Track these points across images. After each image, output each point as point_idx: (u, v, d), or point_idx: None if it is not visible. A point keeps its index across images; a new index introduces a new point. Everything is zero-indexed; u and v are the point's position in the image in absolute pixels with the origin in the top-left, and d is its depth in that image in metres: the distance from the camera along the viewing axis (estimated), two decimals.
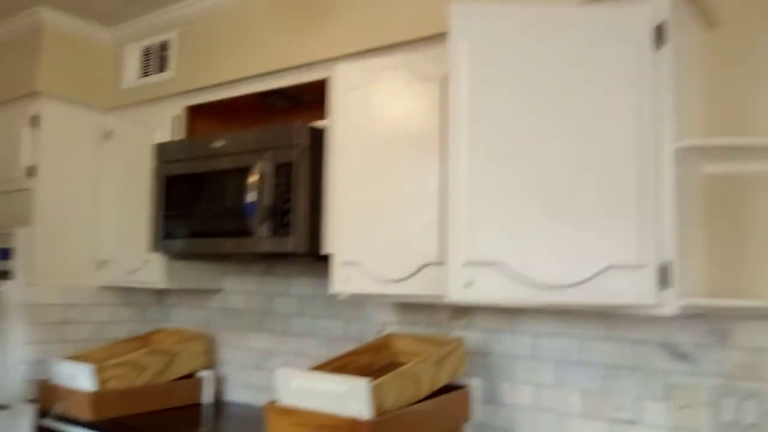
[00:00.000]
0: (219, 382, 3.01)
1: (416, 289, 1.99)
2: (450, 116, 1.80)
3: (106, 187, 3.05)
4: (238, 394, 2.96)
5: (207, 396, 2.89)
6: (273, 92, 2.54)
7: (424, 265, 1.98)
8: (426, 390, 1.99)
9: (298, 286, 2.78)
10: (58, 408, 2.55)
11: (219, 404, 2.88)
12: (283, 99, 2.60)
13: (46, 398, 2.65)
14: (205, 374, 2.90)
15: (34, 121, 2.88)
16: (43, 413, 2.63)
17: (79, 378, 2.52)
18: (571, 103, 1.68)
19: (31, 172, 2.86)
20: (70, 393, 2.54)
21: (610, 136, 1.64)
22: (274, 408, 1.88)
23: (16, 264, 2.80)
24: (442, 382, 2.06)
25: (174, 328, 3.11)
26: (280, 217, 2.20)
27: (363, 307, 2.57)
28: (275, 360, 2.82)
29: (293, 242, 2.17)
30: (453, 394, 2.06)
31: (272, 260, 2.76)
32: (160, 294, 3.31)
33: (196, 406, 2.81)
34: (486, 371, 2.24)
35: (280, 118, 2.74)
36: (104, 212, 3.05)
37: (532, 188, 1.69)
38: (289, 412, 1.85)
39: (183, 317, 3.22)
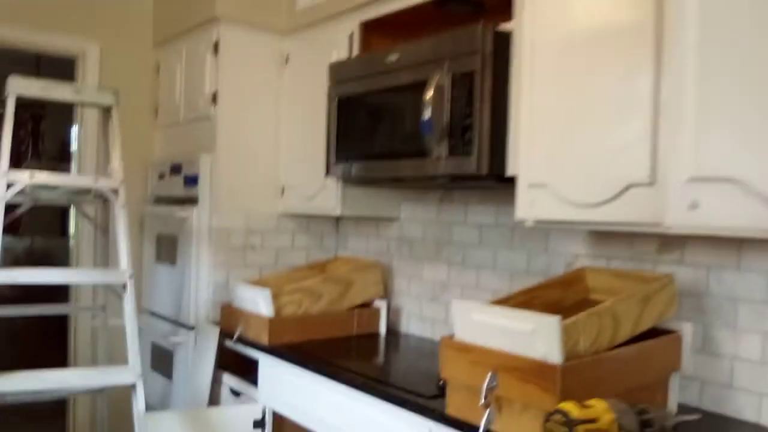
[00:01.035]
0: (393, 313, 2.91)
1: (618, 214, 1.68)
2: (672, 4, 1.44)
3: (285, 112, 3.01)
4: (411, 325, 2.84)
5: (381, 326, 2.80)
6: None
7: (630, 186, 1.66)
8: (627, 333, 1.70)
9: (477, 215, 2.56)
10: (239, 331, 2.59)
11: (393, 335, 2.79)
12: (462, 4, 2.33)
13: (229, 321, 2.71)
14: (381, 304, 2.81)
15: (215, 47, 2.88)
16: (226, 335, 2.69)
17: (258, 303, 2.52)
18: None
19: (213, 99, 2.87)
20: (249, 317, 2.56)
21: None
22: (450, 343, 1.70)
23: (202, 190, 2.85)
24: (646, 326, 1.75)
25: (349, 257, 3.04)
26: (459, 134, 1.98)
27: (549, 237, 2.30)
28: (452, 292, 2.65)
29: (475, 163, 1.94)
30: (660, 340, 1.75)
31: (450, 186, 2.55)
32: (337, 222, 3.26)
33: (372, 336, 2.73)
34: (700, 315, 1.90)
35: (459, 28, 2.48)
36: (284, 138, 3.02)
37: None
38: (467, 349, 1.65)
39: (359, 246, 3.15)
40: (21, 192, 2.08)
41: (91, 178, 2.13)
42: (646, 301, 1.74)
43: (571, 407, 1.28)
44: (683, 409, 1.87)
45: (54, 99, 2.15)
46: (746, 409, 1.79)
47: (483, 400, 1.57)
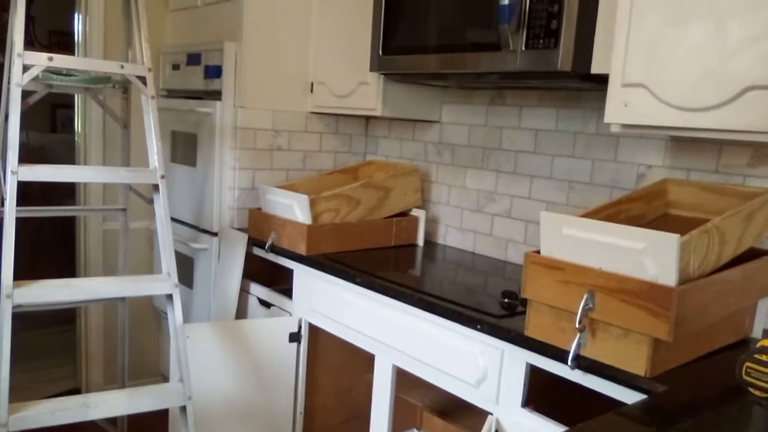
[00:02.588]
0: (429, 223, 2.74)
1: (731, 120, 1.48)
2: None
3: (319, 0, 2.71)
4: (449, 237, 2.67)
5: (419, 238, 2.63)
6: None
7: (748, 89, 1.45)
8: (730, 253, 1.53)
9: (534, 118, 2.34)
10: (272, 238, 2.40)
11: (431, 246, 2.62)
12: None
13: (258, 227, 2.52)
14: (419, 213, 2.63)
15: None
16: (255, 242, 2.51)
17: (294, 209, 2.33)
18: None
19: None
20: (284, 224, 2.37)
21: None
22: (537, 259, 1.53)
23: (226, 83, 2.59)
24: (746, 245, 1.59)
25: (384, 161, 2.83)
26: (542, 24, 1.73)
27: (619, 145, 2.10)
28: (500, 203, 2.46)
29: (561, 58, 1.70)
30: (761, 261, 1.59)
31: (507, 85, 2.32)
32: (368, 123, 3.02)
33: (411, 247, 2.57)
34: None
35: None
36: (317, 27, 2.72)
37: None
38: (558, 266, 1.48)
39: (391, 150, 2.93)
40: (33, 79, 1.82)
41: (116, 63, 1.86)
42: (749, 218, 1.57)
43: None
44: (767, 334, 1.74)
45: None
46: None
47: (578, 324, 1.42)
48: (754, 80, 1.43)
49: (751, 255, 1.61)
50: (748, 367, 1.13)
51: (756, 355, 1.13)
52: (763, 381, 1.10)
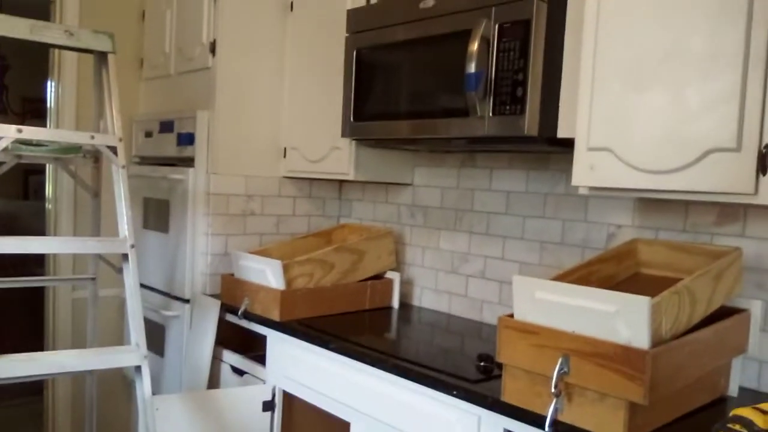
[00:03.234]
0: (404, 285, 2.73)
1: (695, 182, 1.51)
2: None
3: (290, 66, 2.75)
4: (425, 299, 2.66)
5: (394, 300, 2.62)
6: None
7: (710, 151, 1.49)
8: (701, 313, 1.54)
9: (504, 180, 2.37)
10: (245, 305, 2.37)
11: (406, 309, 2.61)
12: None
13: (231, 293, 2.49)
14: (394, 276, 2.62)
15: None
16: (228, 309, 2.47)
17: (267, 274, 2.31)
18: None
19: (212, 48, 2.59)
20: (257, 289, 2.34)
21: None
22: (511, 323, 1.52)
23: (199, 150, 2.60)
24: (717, 304, 1.60)
25: (358, 224, 2.84)
26: (508, 91, 1.77)
27: (589, 205, 2.13)
28: (473, 264, 2.47)
29: (527, 123, 1.74)
30: (732, 320, 1.61)
31: (476, 149, 2.36)
32: (342, 186, 3.04)
33: (386, 310, 2.55)
34: (763, 293, 1.76)
35: None
36: (289, 94, 2.76)
37: None
38: (532, 330, 1.48)
39: (365, 213, 2.94)
40: (3, 150, 1.81)
41: (87, 134, 1.86)
42: (719, 277, 1.59)
43: (752, 414, 1.10)
44: (745, 392, 1.74)
45: (44, 42, 1.86)
46: None
47: (554, 388, 1.40)
48: (714, 143, 1.48)
49: (722, 313, 1.63)
50: None
51: (729, 425, 1.12)
52: None
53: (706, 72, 1.48)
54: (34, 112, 5.77)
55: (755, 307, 1.69)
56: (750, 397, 1.70)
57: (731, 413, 1.14)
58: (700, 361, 1.50)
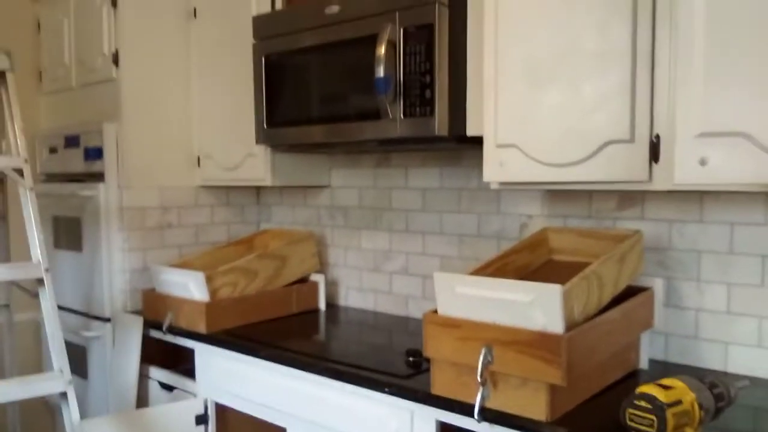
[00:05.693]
0: (329, 286, 2.76)
1: (596, 173, 1.61)
2: None
3: (198, 73, 2.71)
4: (351, 298, 2.70)
5: (321, 302, 2.65)
6: None
7: (607, 143, 1.59)
8: (609, 295, 1.65)
9: (419, 178, 2.44)
10: (169, 320, 2.34)
11: (333, 309, 2.64)
12: None
13: (153, 309, 2.45)
14: (318, 278, 2.64)
15: (113, 0, 2.53)
16: (151, 325, 2.43)
17: (190, 287, 2.29)
18: None
19: (114, 59, 2.53)
20: (180, 303, 2.32)
21: None
22: (435, 319, 1.58)
23: (108, 164, 2.53)
24: (623, 285, 1.72)
25: (278, 230, 2.84)
26: (416, 93, 1.83)
27: (501, 198, 2.22)
28: (395, 261, 2.53)
29: (437, 123, 1.80)
30: (638, 299, 1.72)
31: (389, 149, 2.41)
32: (260, 192, 3.03)
33: (313, 313, 2.57)
34: (663, 270, 1.89)
35: None
36: (199, 102, 2.73)
37: None
38: (455, 324, 1.54)
39: (284, 217, 2.95)
40: None
41: None
42: (622, 260, 1.70)
43: (655, 390, 1.19)
44: (654, 364, 1.87)
45: None
46: (711, 359, 1.81)
47: (479, 378, 1.47)
48: (610, 136, 1.58)
49: (628, 293, 1.74)
50: (630, 413, 1.22)
51: (635, 401, 1.22)
52: (645, 425, 1.19)
53: (599, 69, 1.58)
54: None
55: (657, 285, 1.82)
56: (659, 368, 1.83)
57: (636, 390, 1.24)
58: (612, 340, 1.61)
